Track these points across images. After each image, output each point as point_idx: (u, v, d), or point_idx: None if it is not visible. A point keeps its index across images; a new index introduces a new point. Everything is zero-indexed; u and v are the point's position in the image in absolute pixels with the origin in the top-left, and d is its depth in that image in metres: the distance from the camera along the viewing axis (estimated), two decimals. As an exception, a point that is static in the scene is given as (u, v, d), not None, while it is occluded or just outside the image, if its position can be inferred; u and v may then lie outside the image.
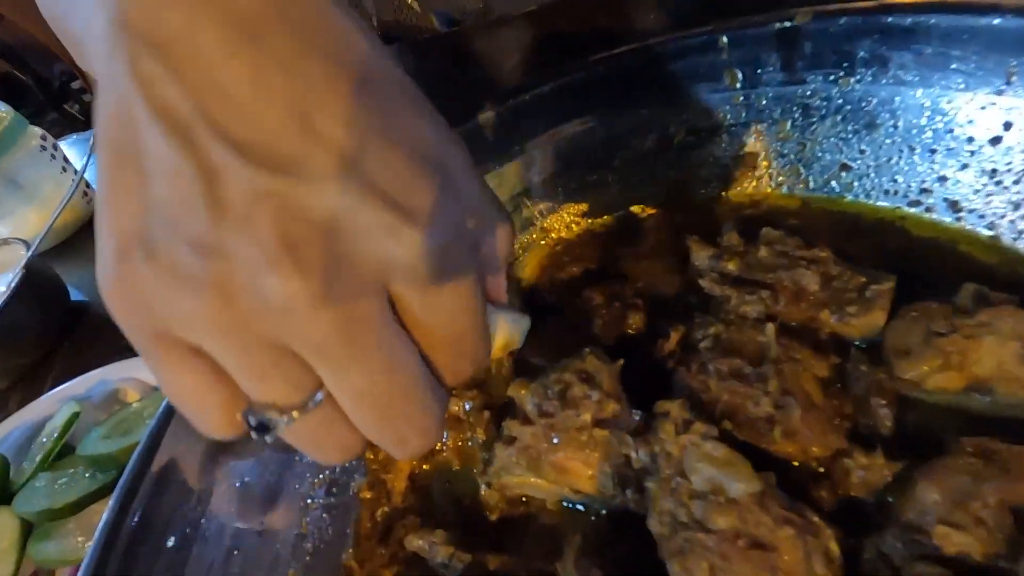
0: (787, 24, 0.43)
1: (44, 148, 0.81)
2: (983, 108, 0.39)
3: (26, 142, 0.79)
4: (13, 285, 0.61)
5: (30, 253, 0.64)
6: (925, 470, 0.30)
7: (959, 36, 0.39)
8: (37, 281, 0.65)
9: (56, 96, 4.61)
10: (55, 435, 0.48)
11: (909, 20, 0.40)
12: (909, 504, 0.29)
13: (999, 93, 0.38)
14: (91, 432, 0.48)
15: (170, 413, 0.38)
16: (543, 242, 0.51)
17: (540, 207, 0.51)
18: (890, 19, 0.40)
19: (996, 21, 0.37)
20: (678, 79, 0.47)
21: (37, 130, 0.82)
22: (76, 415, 0.49)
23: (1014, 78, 0.38)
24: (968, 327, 0.32)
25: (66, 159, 0.86)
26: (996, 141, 0.39)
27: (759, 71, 0.45)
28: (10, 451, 0.50)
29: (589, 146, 0.49)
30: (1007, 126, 0.39)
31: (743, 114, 0.47)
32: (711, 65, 0.46)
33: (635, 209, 0.50)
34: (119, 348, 0.68)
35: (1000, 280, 0.36)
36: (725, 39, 0.45)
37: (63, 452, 0.48)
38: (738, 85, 0.46)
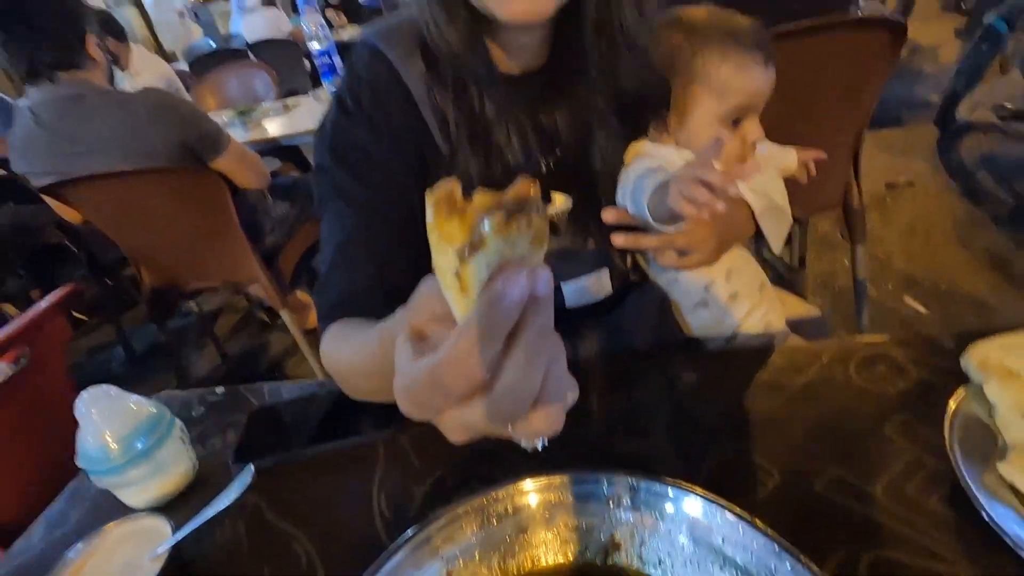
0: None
1: (182, 439, 1.20)
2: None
3: (173, 435, 1.17)
4: (162, 565, 0.94)
5: (180, 536, 0.99)
6: None
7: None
8: (176, 554, 0.98)
9: (102, 270, 5.21)
10: None
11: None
12: None
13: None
14: None
15: None
16: None
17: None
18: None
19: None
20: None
21: (178, 422, 1.21)
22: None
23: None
24: None
25: (188, 437, 1.23)
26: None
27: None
28: None
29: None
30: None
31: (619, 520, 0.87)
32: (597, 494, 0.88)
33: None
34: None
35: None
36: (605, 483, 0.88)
37: None
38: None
